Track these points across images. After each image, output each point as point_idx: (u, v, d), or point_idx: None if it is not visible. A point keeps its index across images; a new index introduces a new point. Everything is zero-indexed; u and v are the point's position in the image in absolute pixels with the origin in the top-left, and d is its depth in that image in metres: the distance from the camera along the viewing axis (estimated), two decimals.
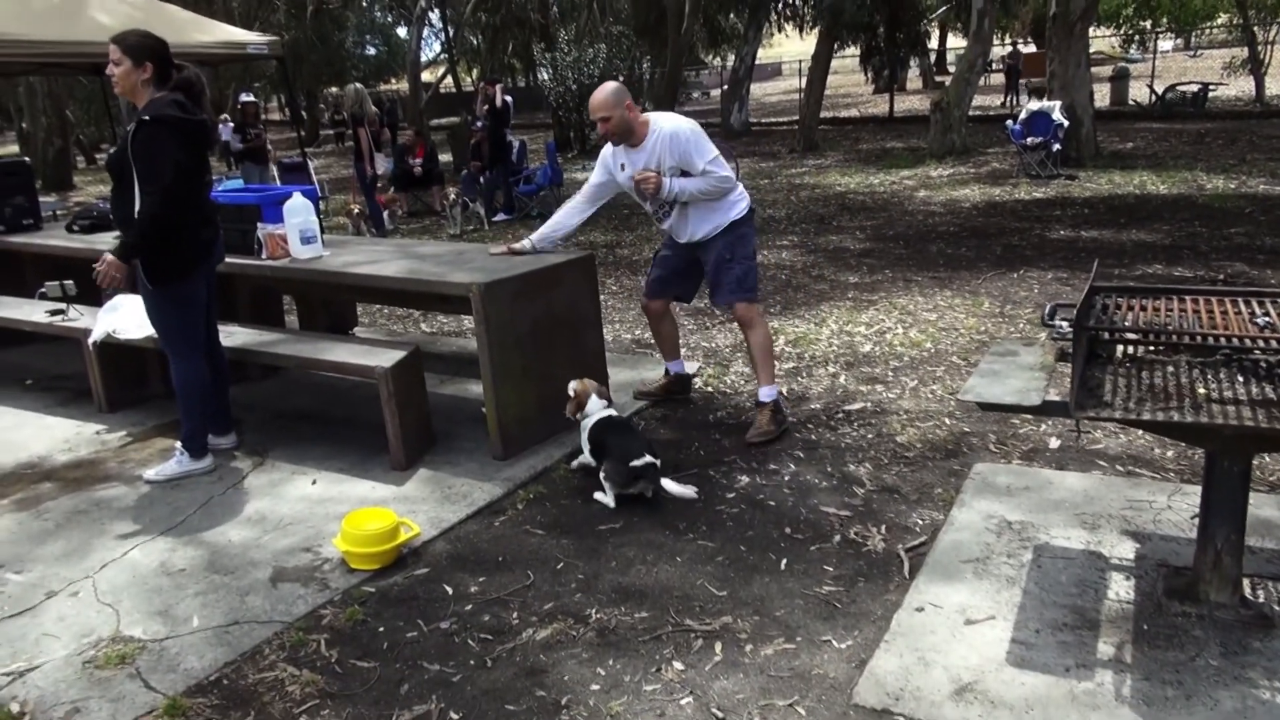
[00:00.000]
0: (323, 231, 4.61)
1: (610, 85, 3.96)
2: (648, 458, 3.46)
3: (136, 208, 3.52)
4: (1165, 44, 36.06)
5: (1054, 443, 3.81)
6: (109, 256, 3.52)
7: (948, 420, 4.12)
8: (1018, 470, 3.56)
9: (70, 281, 4.97)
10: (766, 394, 4.12)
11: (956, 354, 5.02)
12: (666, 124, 3.93)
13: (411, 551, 3.21)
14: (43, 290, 5.05)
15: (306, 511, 3.55)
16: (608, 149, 4.14)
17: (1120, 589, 2.70)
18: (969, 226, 8.80)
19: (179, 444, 3.91)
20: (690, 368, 4.83)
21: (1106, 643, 2.46)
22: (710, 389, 4.71)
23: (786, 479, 3.64)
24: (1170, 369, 2.47)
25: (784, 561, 3.03)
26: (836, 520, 3.29)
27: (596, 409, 3.72)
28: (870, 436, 4.00)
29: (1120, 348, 2.62)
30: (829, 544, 3.13)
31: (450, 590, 2.97)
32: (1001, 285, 6.46)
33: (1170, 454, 3.63)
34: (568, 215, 4.27)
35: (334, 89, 32.26)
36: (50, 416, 4.72)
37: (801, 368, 4.97)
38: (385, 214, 10.66)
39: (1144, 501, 3.21)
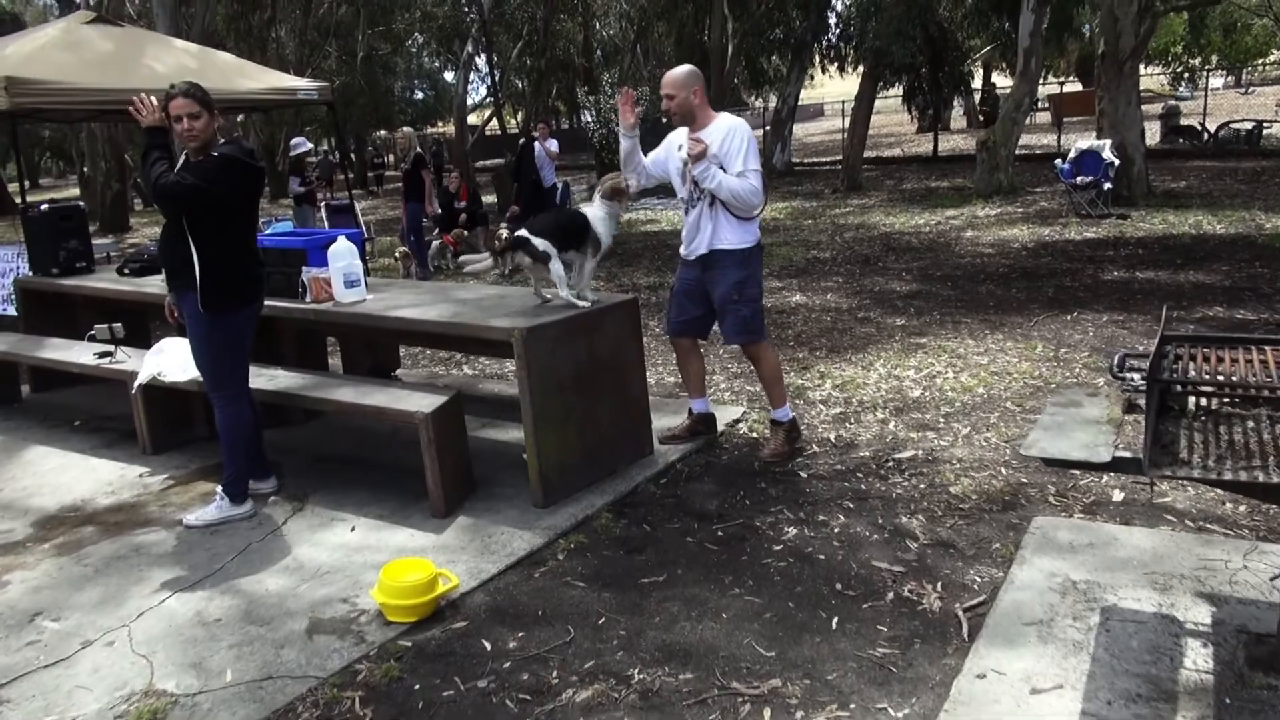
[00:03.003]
0: (367, 274, 4.62)
1: (686, 67, 4.10)
2: None
3: (193, 246, 3.58)
4: (1216, 81, 35.54)
5: (1118, 495, 3.64)
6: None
7: (1004, 470, 3.96)
8: (1080, 525, 3.39)
9: (118, 324, 5.01)
10: (782, 414, 4.30)
11: (1010, 399, 4.86)
12: (730, 120, 4.07)
13: (450, 604, 3.13)
14: (92, 333, 5.10)
15: (344, 560, 3.49)
16: (677, 132, 4.20)
17: (1197, 657, 2.53)
18: (1019, 267, 8.62)
19: (220, 488, 3.89)
20: (734, 413, 4.75)
21: (1185, 717, 2.29)
22: (755, 434, 4.60)
23: (836, 531, 3.51)
24: (1250, 423, 2.33)
25: (835, 620, 2.90)
26: (889, 576, 3.15)
27: None
28: (922, 486, 3.86)
29: (1193, 400, 2.48)
30: (882, 602, 2.99)
31: (489, 646, 2.88)
32: (1054, 328, 6.29)
33: (1243, 509, 3.44)
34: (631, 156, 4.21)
35: (382, 132, 32.99)
36: (95, 458, 4.74)
37: (849, 413, 4.84)
38: (434, 247, 10.93)
39: (1218, 561, 3.03)
